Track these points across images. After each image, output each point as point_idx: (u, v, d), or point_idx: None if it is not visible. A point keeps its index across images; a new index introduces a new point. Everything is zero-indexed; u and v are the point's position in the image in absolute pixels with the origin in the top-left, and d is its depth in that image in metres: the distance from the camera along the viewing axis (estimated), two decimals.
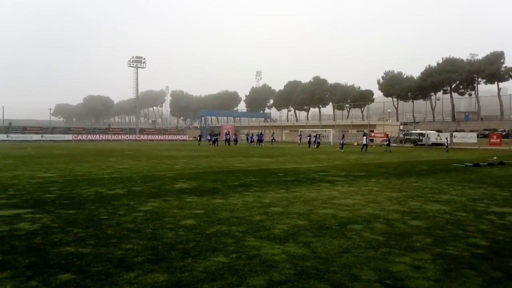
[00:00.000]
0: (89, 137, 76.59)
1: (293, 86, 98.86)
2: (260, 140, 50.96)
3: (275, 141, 61.79)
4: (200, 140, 52.56)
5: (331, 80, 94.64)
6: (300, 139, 59.08)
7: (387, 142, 40.64)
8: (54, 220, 7.30)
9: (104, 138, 77.28)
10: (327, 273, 4.69)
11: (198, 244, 5.83)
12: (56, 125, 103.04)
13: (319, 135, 51.06)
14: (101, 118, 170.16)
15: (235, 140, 55.16)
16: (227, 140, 52.01)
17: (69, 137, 73.90)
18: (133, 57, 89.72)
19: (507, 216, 8.17)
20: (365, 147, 37.84)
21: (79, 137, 75.11)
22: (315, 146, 44.92)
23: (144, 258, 5.17)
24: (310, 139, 45.57)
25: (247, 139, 53.85)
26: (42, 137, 71.20)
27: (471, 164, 21.21)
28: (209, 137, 51.36)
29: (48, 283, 4.33)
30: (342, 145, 40.26)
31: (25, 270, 4.70)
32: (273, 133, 67.13)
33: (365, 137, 39.04)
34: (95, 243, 5.81)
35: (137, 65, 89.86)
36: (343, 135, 44.13)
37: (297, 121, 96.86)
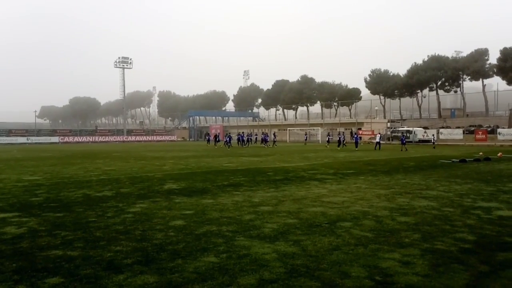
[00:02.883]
0: (76, 139, 75.81)
1: (281, 85, 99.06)
2: (265, 140, 47.41)
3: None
4: (216, 140, 48.80)
5: (318, 79, 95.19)
6: (306, 139, 56.86)
7: (402, 141, 37.44)
8: (41, 223, 7.21)
9: (91, 139, 76.56)
10: (317, 271, 4.71)
11: (188, 244, 5.81)
12: (42, 127, 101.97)
13: (343, 133, 47.10)
14: (87, 120, 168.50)
15: (217, 140, 50.42)
16: (241, 141, 47.86)
17: (55, 139, 73.04)
18: (119, 57, 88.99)
19: (493, 210, 8.28)
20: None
21: (66, 139, 74.27)
22: (343, 145, 40.16)
23: (134, 259, 5.13)
24: (340, 138, 40.87)
25: (263, 139, 48.42)
26: (27, 139, 70.26)
27: (458, 160, 21.47)
28: (223, 138, 47.52)
29: (36, 287, 4.27)
30: (379, 144, 37.10)
31: (13, 274, 4.63)
32: (275, 133, 60.65)
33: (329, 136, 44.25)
34: (84, 246, 5.75)
35: (123, 65, 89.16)
36: (379, 133, 40.30)
37: (285, 120, 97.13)
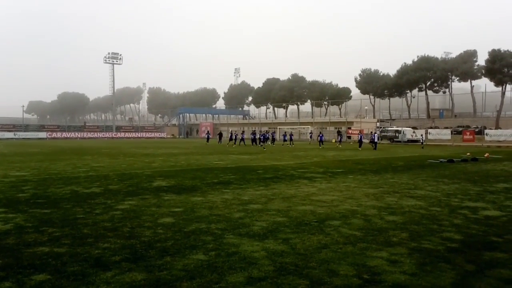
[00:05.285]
0: (64, 134, 75.14)
1: (271, 83, 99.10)
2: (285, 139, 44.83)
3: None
4: (229, 138, 44.12)
5: (309, 78, 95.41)
6: (310, 137, 55.03)
7: (372, 140, 38.20)
8: (28, 219, 7.13)
9: (79, 136, 75.93)
10: (305, 269, 4.72)
11: (177, 242, 5.79)
12: (29, 122, 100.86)
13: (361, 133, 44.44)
14: (76, 116, 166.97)
15: (230, 139, 44.98)
16: (272, 139, 44.25)
17: (43, 135, 72.35)
18: (109, 53, 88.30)
19: (480, 210, 8.38)
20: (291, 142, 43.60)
21: (54, 135, 73.61)
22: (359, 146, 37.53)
23: (122, 257, 5.10)
24: (361, 137, 38.71)
25: (284, 138, 45.61)
26: (15, 135, 69.44)
27: (446, 160, 21.70)
28: (252, 136, 42.65)
29: (22, 284, 4.22)
30: (375, 144, 35.79)
31: None
32: (292, 132, 53.01)
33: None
34: (71, 243, 5.69)
35: (113, 61, 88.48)
36: (376, 133, 38.19)
37: (275, 118, 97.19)
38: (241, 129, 56.61)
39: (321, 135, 41.88)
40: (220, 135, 49.94)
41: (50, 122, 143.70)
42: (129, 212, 7.85)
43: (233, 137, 43.45)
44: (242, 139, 43.59)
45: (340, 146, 41.19)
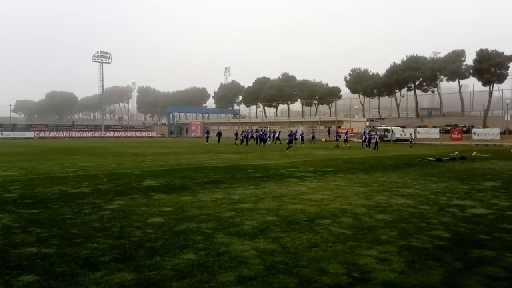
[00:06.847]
0: (52, 134, 74.38)
1: (262, 83, 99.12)
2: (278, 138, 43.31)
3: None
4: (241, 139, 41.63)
5: (299, 77, 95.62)
6: (313, 137, 51.31)
7: (345, 137, 39.77)
8: (15, 220, 7.04)
9: (68, 135, 75.24)
10: (296, 268, 4.73)
11: (167, 242, 5.76)
12: (16, 122, 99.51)
13: (369, 131, 41.84)
14: (64, 115, 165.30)
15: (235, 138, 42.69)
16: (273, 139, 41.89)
17: (30, 134, 71.55)
18: (98, 52, 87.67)
19: (467, 208, 8.48)
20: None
21: (42, 134, 72.84)
22: (367, 146, 35.33)
23: (111, 257, 5.06)
24: (365, 137, 36.35)
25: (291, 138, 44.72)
26: (2, 134, 68.55)
27: (434, 159, 21.91)
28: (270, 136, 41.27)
29: (10, 285, 4.17)
30: (376, 144, 34.13)
31: None
32: (302, 132, 50.11)
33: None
34: (59, 243, 5.64)
35: (102, 60, 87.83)
36: (376, 133, 37.01)
37: (266, 117, 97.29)
38: (245, 129, 55.69)
39: (293, 134, 41.01)
40: (219, 134, 49.35)
41: (38, 122, 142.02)
42: (118, 212, 7.80)
43: (245, 136, 42.27)
44: (247, 139, 42.62)
45: (350, 146, 39.03)
